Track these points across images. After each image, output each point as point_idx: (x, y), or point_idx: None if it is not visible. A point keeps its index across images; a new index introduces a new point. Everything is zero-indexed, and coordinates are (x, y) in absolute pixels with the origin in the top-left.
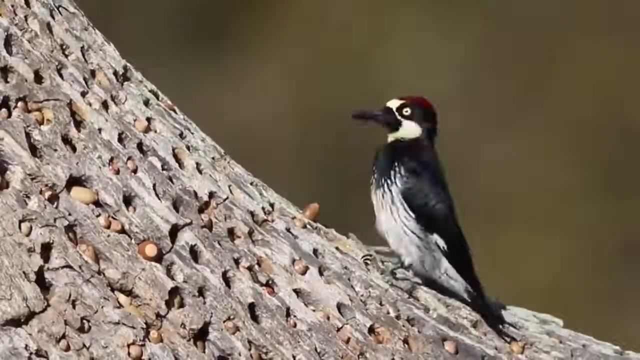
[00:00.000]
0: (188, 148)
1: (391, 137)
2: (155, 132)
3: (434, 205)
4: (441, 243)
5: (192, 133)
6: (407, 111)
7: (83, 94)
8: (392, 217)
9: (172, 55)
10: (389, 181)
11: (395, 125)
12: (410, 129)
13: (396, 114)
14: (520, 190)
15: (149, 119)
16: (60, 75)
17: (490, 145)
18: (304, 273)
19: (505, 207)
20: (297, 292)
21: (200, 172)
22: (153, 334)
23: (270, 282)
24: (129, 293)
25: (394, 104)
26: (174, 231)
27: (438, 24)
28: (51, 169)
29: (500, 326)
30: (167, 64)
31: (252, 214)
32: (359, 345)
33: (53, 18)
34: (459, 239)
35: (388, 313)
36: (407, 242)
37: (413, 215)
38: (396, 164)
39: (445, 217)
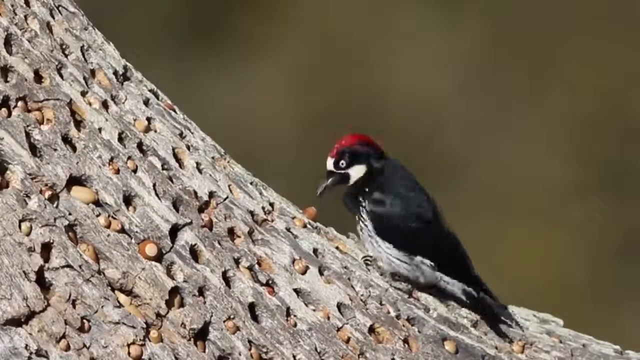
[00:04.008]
0: (188, 148)
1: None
2: (155, 131)
3: (406, 230)
4: (427, 262)
5: (192, 133)
6: (342, 163)
7: (83, 94)
8: (375, 248)
9: (172, 54)
10: (362, 217)
11: (346, 179)
12: (358, 172)
13: (337, 171)
14: (520, 189)
15: (149, 119)
16: (60, 75)
17: (490, 143)
18: (304, 273)
19: (505, 206)
20: (297, 291)
21: (200, 171)
22: (153, 333)
23: (270, 281)
24: (129, 293)
25: (329, 164)
26: (174, 231)
27: (438, 23)
28: (51, 168)
29: (500, 326)
30: (167, 63)
31: (252, 213)
32: (359, 345)
33: (53, 17)
34: (446, 247)
35: (388, 313)
36: (397, 268)
37: (391, 245)
38: (361, 199)
39: (422, 236)
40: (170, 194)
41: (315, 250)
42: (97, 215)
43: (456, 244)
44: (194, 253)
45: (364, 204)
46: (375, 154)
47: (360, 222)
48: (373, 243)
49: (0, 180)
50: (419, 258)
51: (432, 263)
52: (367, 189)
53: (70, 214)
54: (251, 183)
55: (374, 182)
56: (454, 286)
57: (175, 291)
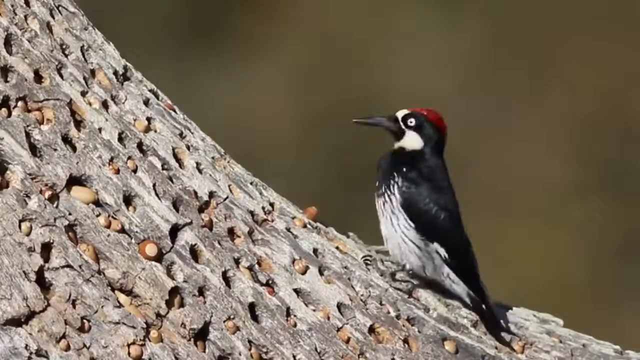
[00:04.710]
0: (188, 148)
1: (396, 146)
2: (155, 131)
3: (433, 214)
4: (442, 252)
5: (192, 133)
6: (411, 122)
7: (83, 94)
8: (393, 226)
9: (172, 54)
10: (389, 191)
11: (399, 134)
12: (412, 140)
13: (401, 123)
14: (520, 189)
15: (149, 119)
16: (60, 75)
17: (490, 142)
18: (304, 273)
19: (505, 206)
20: (297, 291)
21: (200, 171)
22: (153, 333)
23: (270, 281)
24: (129, 293)
25: (401, 113)
26: (174, 231)
27: (438, 23)
28: (51, 168)
29: (500, 328)
30: (167, 63)
31: (252, 213)
32: (359, 345)
33: (53, 17)
34: (462, 247)
35: (388, 313)
36: (406, 251)
37: (412, 225)
38: (395, 174)
39: (447, 226)
40: (170, 194)
41: (315, 250)
42: (97, 215)
43: (470, 248)
44: (194, 253)
45: (396, 179)
46: (438, 146)
47: (385, 196)
48: (392, 220)
49: (0, 180)
50: (435, 245)
51: (446, 255)
52: (404, 168)
53: (70, 214)
54: (251, 183)
55: (413, 165)
56: (459, 287)
57: (175, 291)
